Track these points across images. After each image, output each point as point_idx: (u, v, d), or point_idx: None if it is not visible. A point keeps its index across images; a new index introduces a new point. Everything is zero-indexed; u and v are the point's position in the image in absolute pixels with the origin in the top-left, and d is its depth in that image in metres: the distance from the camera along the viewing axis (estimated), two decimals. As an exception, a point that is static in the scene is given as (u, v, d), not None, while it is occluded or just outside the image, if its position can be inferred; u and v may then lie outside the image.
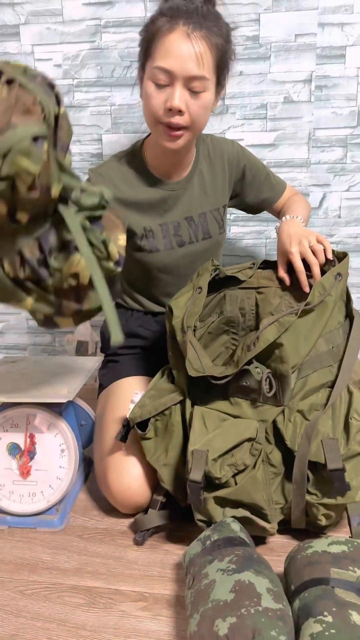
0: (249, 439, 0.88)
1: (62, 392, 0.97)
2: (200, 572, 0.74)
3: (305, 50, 1.37)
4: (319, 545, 0.76)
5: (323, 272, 0.98)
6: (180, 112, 0.97)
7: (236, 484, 0.86)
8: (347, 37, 1.35)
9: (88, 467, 1.16)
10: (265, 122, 1.43)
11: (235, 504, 0.87)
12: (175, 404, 0.96)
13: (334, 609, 0.65)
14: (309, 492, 0.88)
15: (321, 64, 1.37)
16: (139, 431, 0.95)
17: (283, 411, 0.91)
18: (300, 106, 1.41)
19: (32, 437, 0.99)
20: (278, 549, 0.91)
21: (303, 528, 0.91)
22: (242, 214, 1.50)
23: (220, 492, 0.86)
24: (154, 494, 0.98)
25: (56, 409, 0.99)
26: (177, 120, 0.98)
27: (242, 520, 0.86)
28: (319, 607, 0.66)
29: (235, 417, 0.92)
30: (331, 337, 0.96)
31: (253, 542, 0.82)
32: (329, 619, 0.64)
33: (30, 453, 0.99)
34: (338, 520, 0.93)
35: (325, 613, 0.65)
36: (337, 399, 0.92)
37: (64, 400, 0.95)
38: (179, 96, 0.96)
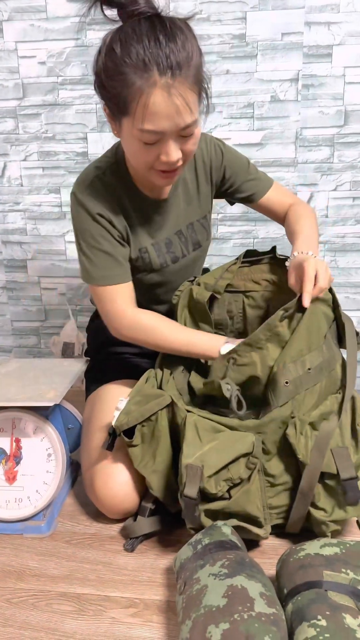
0: (245, 454, 0.85)
1: (48, 396, 0.96)
2: (191, 577, 0.73)
3: (292, 49, 1.36)
4: (311, 547, 0.76)
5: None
6: (176, 161, 0.90)
7: (230, 497, 0.84)
8: (334, 36, 1.35)
9: (75, 471, 1.14)
10: (252, 121, 1.42)
11: (228, 515, 0.86)
12: (161, 409, 0.95)
13: (327, 613, 0.64)
14: (317, 508, 0.85)
15: (308, 63, 1.37)
16: (126, 439, 0.93)
17: (295, 424, 0.88)
18: (287, 105, 1.40)
19: (17, 441, 0.97)
20: (270, 552, 0.90)
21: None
22: (229, 213, 1.50)
23: (213, 505, 0.84)
24: (142, 501, 0.96)
25: (43, 413, 0.97)
26: (173, 168, 0.91)
27: (235, 528, 0.84)
28: (313, 611, 0.65)
29: (230, 427, 0.90)
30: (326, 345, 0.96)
31: (245, 545, 0.81)
32: (323, 622, 0.63)
33: (16, 458, 0.97)
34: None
35: (319, 617, 0.64)
36: (342, 406, 0.89)
37: (51, 404, 0.94)
38: (174, 150, 0.88)
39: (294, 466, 0.88)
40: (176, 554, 0.80)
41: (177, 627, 0.75)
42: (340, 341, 0.98)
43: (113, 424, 0.93)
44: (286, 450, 0.88)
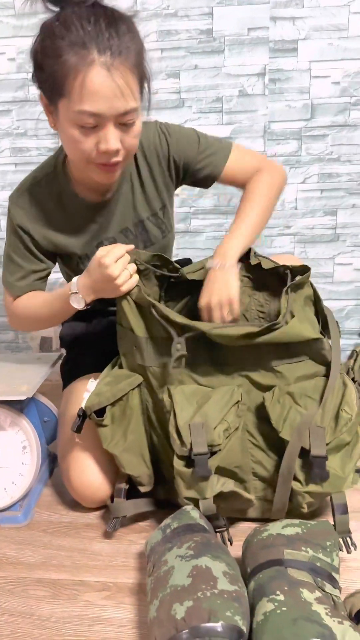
0: (236, 403, 0.90)
1: (21, 389, 0.98)
2: (160, 560, 0.76)
3: (259, 44, 1.39)
4: (273, 528, 0.79)
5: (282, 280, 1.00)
6: (116, 152, 0.87)
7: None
8: (299, 31, 1.37)
9: (53, 463, 1.17)
10: (221, 116, 1.45)
11: (223, 471, 0.89)
12: (133, 389, 0.96)
13: (285, 588, 0.68)
14: (295, 479, 0.88)
15: (274, 57, 1.39)
16: (96, 417, 0.93)
17: (273, 391, 0.91)
18: (255, 99, 1.43)
19: (-7, 434, 0.99)
20: (238, 534, 0.93)
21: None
22: (200, 207, 1.52)
23: (215, 460, 0.87)
24: (116, 483, 0.98)
25: (17, 406, 0.99)
26: (113, 160, 0.88)
27: (227, 495, 0.88)
28: (272, 587, 0.69)
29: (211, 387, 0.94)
30: None
31: (213, 528, 0.85)
32: (281, 597, 0.67)
33: (-8, 451, 0.99)
34: (316, 508, 0.95)
35: (278, 592, 0.68)
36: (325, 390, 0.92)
37: (23, 398, 0.96)
38: (113, 138, 0.85)
39: (274, 441, 0.91)
40: (147, 539, 0.83)
41: (147, 607, 0.79)
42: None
43: (83, 405, 0.94)
44: (265, 417, 0.92)
